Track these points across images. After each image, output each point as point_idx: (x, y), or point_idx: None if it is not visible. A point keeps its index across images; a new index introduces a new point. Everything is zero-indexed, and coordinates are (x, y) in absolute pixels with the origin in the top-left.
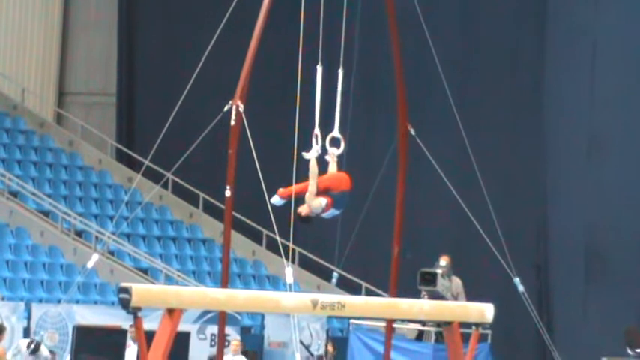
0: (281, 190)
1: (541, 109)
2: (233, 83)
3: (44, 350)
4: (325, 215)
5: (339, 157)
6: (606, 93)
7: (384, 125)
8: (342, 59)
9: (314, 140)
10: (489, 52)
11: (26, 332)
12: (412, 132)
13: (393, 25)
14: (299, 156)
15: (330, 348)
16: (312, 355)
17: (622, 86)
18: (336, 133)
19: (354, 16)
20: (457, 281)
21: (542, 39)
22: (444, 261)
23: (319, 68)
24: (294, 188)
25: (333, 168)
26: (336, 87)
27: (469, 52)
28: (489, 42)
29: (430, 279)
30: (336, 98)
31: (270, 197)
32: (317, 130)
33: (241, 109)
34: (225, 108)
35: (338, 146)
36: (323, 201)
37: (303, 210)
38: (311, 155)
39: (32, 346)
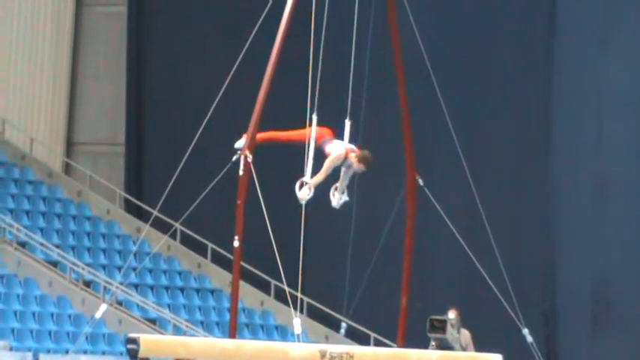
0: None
1: (548, 156)
2: (242, 131)
3: None
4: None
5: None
6: (613, 138)
7: (392, 175)
8: (349, 109)
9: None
10: (497, 99)
11: None
12: (421, 182)
13: (400, 74)
14: (308, 205)
15: None
16: None
17: (628, 131)
18: (344, 185)
19: (362, 66)
20: (466, 333)
21: (549, 85)
22: (452, 314)
23: (314, 118)
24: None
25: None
26: (343, 136)
27: (476, 101)
28: (496, 90)
29: (439, 326)
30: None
31: (278, 249)
32: (307, 178)
33: (250, 159)
34: (234, 158)
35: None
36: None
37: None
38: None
39: None
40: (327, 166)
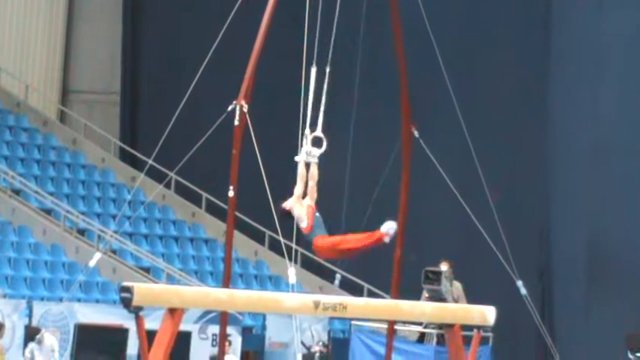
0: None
1: (545, 115)
2: (238, 82)
3: (48, 339)
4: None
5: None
6: (610, 99)
7: (387, 127)
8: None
9: (304, 141)
10: (494, 56)
11: (27, 330)
12: (416, 134)
13: (397, 26)
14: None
15: (324, 349)
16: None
17: (625, 93)
18: (318, 132)
19: (358, 18)
20: (458, 286)
21: (547, 46)
22: (444, 266)
23: (313, 70)
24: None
25: (314, 170)
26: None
27: (474, 56)
28: (494, 46)
29: (434, 278)
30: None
31: (273, 200)
32: (307, 131)
33: (245, 110)
34: (229, 108)
35: (320, 146)
36: (303, 222)
37: (286, 205)
38: (300, 158)
39: (37, 336)
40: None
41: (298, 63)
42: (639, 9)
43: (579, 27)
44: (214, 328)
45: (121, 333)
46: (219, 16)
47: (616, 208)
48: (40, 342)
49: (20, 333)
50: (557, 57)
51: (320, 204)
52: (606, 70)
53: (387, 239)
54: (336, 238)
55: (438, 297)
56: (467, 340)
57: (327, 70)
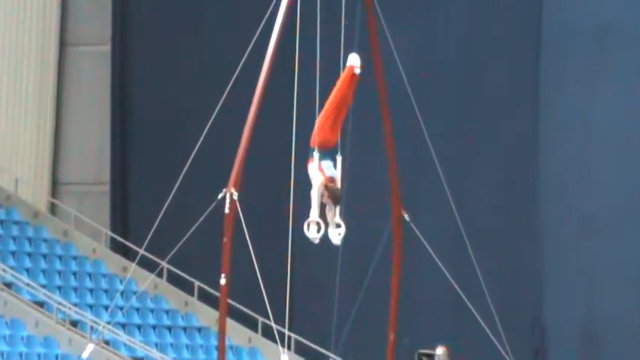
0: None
1: (535, 192)
2: (227, 169)
3: None
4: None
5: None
6: (599, 174)
7: (378, 209)
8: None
9: (308, 227)
10: (483, 133)
11: None
12: (406, 217)
13: (385, 111)
14: (294, 242)
15: None
16: None
17: (615, 167)
18: (337, 219)
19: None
20: None
21: (535, 121)
22: (440, 350)
23: (339, 159)
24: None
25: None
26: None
27: (463, 135)
28: (483, 124)
29: None
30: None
31: (265, 286)
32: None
33: (235, 197)
34: (220, 196)
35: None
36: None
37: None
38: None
39: None
40: (313, 199)
41: (288, 147)
42: (629, 82)
43: (568, 100)
44: None
45: None
46: (209, 102)
47: (609, 285)
48: None
49: None
50: (546, 131)
51: (311, 288)
52: (595, 144)
53: (357, 70)
54: (320, 115)
55: None
56: None
57: (339, 158)
